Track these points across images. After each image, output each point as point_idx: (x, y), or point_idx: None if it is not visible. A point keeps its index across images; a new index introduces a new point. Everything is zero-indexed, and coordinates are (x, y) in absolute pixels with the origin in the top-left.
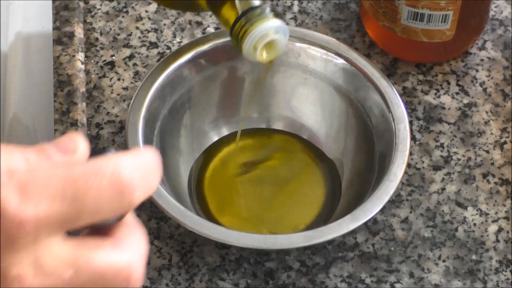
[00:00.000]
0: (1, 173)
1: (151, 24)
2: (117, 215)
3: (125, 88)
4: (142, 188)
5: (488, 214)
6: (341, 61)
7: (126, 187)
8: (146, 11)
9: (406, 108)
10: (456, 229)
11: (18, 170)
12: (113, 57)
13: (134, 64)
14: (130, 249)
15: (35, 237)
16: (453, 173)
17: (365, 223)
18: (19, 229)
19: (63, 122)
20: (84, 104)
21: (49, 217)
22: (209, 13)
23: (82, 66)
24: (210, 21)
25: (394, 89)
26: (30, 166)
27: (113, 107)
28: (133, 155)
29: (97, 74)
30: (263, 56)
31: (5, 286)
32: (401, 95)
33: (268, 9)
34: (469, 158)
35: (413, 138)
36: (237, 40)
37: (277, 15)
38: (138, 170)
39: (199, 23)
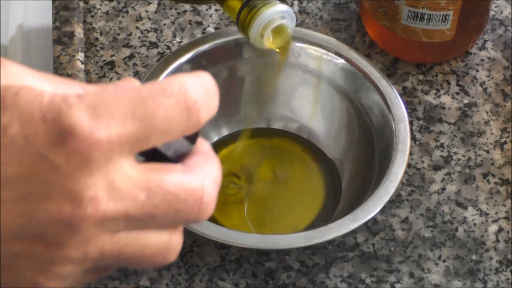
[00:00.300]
0: (70, 96)
1: (151, 24)
2: (185, 134)
3: None
4: (207, 107)
5: (488, 214)
6: (341, 61)
7: (193, 105)
8: (146, 11)
9: (406, 108)
10: (456, 229)
11: (85, 93)
12: (113, 57)
13: (134, 64)
14: (202, 173)
15: (108, 159)
16: (453, 173)
17: (365, 223)
18: (93, 150)
19: None
20: None
21: (120, 137)
22: (209, 13)
23: (82, 66)
24: (210, 21)
25: (394, 89)
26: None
27: None
28: (195, 76)
29: (97, 74)
30: (270, 42)
31: (80, 212)
32: (401, 95)
33: None
34: (469, 158)
35: (413, 138)
36: (244, 28)
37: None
38: (201, 89)
39: (199, 23)
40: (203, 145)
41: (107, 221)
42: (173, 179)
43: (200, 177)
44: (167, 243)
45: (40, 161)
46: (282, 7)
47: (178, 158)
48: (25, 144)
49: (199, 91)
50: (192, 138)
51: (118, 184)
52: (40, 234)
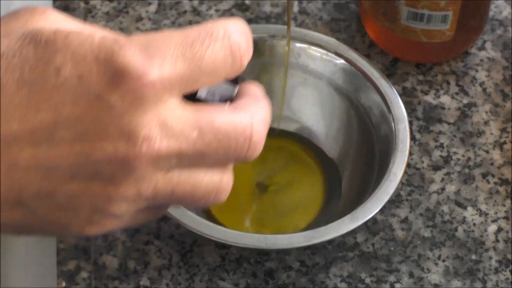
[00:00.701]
0: (120, 37)
1: (151, 24)
2: (228, 77)
3: None
4: (248, 52)
5: (488, 214)
6: (341, 61)
7: (237, 50)
8: (146, 11)
9: (406, 108)
10: (456, 229)
11: (134, 36)
12: None
13: None
14: (251, 113)
15: (159, 98)
16: (453, 173)
17: (365, 223)
18: (146, 89)
19: None
20: None
21: (171, 77)
22: (210, 13)
23: None
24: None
25: (394, 89)
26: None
27: None
28: (236, 22)
29: None
30: None
31: (135, 150)
32: (401, 95)
33: None
34: (469, 158)
35: (413, 138)
36: None
37: None
38: (243, 35)
39: (199, 23)
40: (253, 88)
41: (161, 159)
42: (223, 117)
43: (249, 116)
44: (218, 182)
45: (95, 101)
46: None
47: (222, 103)
48: (79, 84)
49: (241, 37)
50: (233, 83)
51: (170, 123)
52: (96, 173)
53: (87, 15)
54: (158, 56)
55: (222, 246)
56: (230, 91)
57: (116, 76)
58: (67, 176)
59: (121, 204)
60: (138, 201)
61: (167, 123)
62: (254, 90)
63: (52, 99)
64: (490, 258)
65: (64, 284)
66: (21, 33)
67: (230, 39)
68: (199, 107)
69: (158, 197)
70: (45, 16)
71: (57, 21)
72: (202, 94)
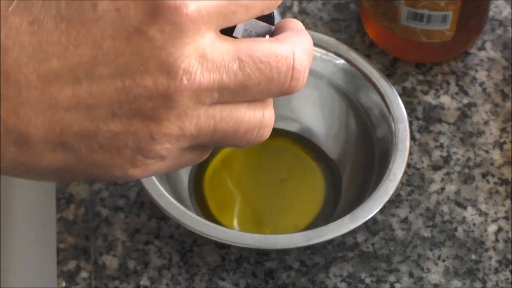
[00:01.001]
0: None
1: None
2: (264, 13)
3: None
4: None
5: (488, 214)
6: (341, 61)
7: None
8: None
9: (406, 108)
10: (456, 229)
11: None
12: None
13: None
14: (292, 42)
15: (198, 30)
16: (453, 173)
17: (365, 223)
18: (184, 21)
19: None
20: None
21: (209, 8)
22: None
23: None
24: None
25: (394, 89)
26: None
27: None
28: None
29: None
30: None
31: (176, 84)
32: (400, 95)
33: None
34: (469, 158)
35: (412, 138)
36: None
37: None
38: None
39: None
40: (293, 22)
41: (202, 93)
42: (263, 47)
43: (290, 46)
44: (261, 118)
45: (133, 34)
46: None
47: None
48: (117, 18)
49: None
50: (269, 23)
51: (210, 55)
52: (137, 110)
53: None
54: None
55: (222, 246)
56: (266, 31)
57: (154, 8)
58: (108, 114)
59: (164, 143)
60: (181, 139)
61: (207, 55)
62: (294, 23)
63: (90, 34)
64: (490, 258)
65: (64, 284)
66: None
67: None
68: (237, 40)
69: (201, 134)
70: None
71: None
72: (238, 33)
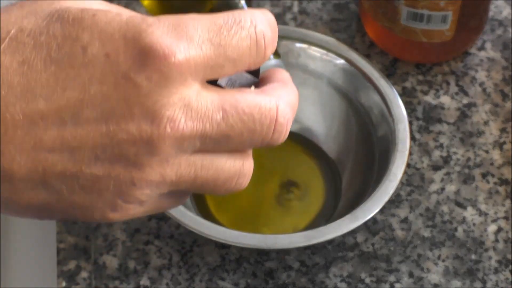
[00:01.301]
0: (148, 17)
1: None
2: (251, 68)
3: None
4: (272, 43)
5: (488, 214)
6: (341, 61)
7: (262, 39)
8: (147, 11)
9: (406, 108)
10: (456, 229)
11: (162, 16)
12: None
13: None
14: (277, 95)
15: (185, 80)
16: (453, 173)
17: (365, 223)
18: (172, 70)
19: None
20: None
21: (197, 59)
22: None
23: None
24: None
25: (394, 89)
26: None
27: None
28: (262, 12)
29: None
30: None
31: (159, 131)
32: (400, 95)
33: None
34: (469, 158)
35: (412, 138)
36: None
37: (276, 52)
38: (268, 26)
39: None
40: (282, 74)
41: (184, 141)
42: (248, 99)
43: (275, 99)
44: (240, 167)
45: (121, 80)
46: (273, 61)
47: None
48: (106, 63)
49: (267, 27)
50: (254, 75)
51: (195, 104)
52: (120, 155)
53: None
54: (185, 38)
55: (222, 246)
56: (251, 82)
57: (143, 55)
58: (91, 157)
59: (145, 189)
60: (161, 186)
61: (191, 105)
62: (281, 75)
63: (79, 78)
64: (490, 258)
65: (64, 284)
66: (48, 11)
67: (256, 28)
68: (223, 90)
69: (181, 181)
70: None
71: (84, 1)
72: (222, 82)
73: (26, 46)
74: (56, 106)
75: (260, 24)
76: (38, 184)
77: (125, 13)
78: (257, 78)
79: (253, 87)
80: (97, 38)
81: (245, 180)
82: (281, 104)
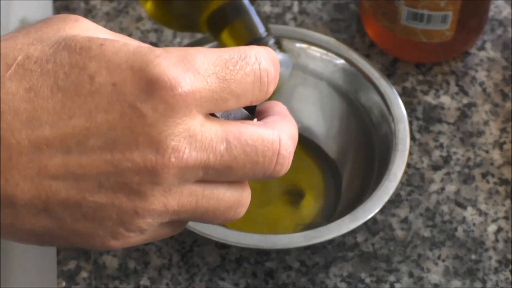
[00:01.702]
0: (155, 48)
1: (152, 24)
2: (253, 103)
3: None
4: (274, 81)
5: (488, 214)
6: (341, 61)
7: (265, 77)
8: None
9: (406, 108)
10: (456, 229)
11: (170, 48)
12: None
13: None
14: (279, 128)
15: (189, 111)
16: (453, 173)
17: (365, 223)
18: (178, 101)
19: None
20: None
21: (203, 92)
22: None
23: None
24: None
25: (394, 89)
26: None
27: None
28: (266, 49)
29: None
30: None
31: (164, 161)
32: (400, 95)
33: (271, 41)
34: (469, 158)
35: (412, 138)
36: None
37: (281, 47)
38: (272, 63)
39: None
40: (279, 106)
41: (188, 171)
42: (251, 131)
43: (277, 131)
44: (239, 197)
45: (127, 109)
46: (280, 55)
47: None
48: (113, 92)
49: (270, 65)
50: (251, 110)
51: (199, 135)
52: (124, 184)
53: (87, 15)
54: (192, 70)
55: (222, 246)
56: (245, 117)
57: (150, 85)
58: (95, 185)
59: (147, 218)
60: (163, 215)
61: (196, 135)
62: (280, 108)
63: (85, 106)
64: (490, 258)
65: (64, 284)
66: (54, 39)
67: (260, 65)
68: (227, 122)
69: (182, 211)
70: (78, 24)
71: (90, 29)
72: (218, 114)
73: (33, 74)
74: (62, 134)
75: (264, 61)
76: (41, 210)
77: (132, 43)
78: (253, 114)
79: (255, 120)
80: (105, 68)
81: (244, 210)
82: (283, 137)
